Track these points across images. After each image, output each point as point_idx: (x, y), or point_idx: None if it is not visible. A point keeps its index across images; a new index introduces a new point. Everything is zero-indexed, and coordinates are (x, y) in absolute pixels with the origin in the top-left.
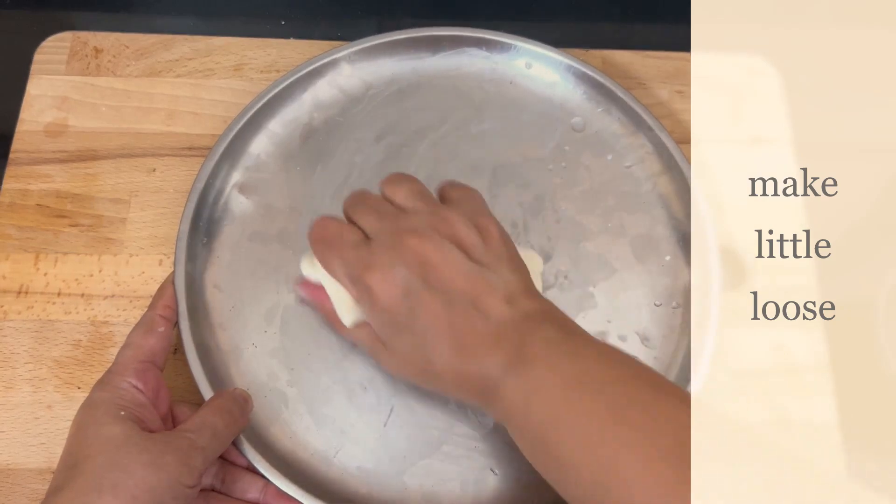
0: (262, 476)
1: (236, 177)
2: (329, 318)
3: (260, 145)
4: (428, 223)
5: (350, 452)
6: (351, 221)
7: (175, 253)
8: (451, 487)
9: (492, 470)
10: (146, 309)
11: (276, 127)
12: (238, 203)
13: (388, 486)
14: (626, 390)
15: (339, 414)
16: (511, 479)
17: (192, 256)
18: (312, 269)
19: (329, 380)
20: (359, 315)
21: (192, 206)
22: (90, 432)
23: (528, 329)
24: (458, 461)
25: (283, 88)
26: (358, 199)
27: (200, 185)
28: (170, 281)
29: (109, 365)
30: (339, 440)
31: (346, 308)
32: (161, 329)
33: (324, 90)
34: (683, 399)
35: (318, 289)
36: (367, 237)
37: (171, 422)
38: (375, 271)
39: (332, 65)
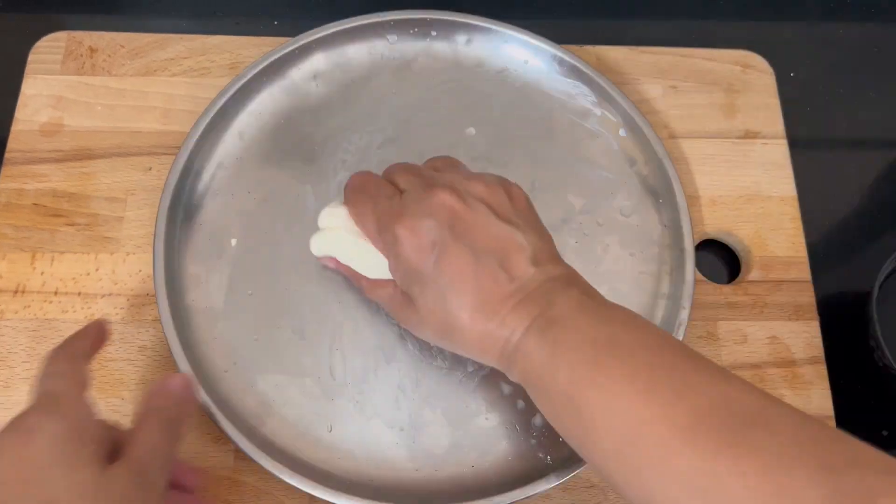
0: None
1: (208, 174)
2: (354, 279)
3: (230, 141)
4: (460, 182)
5: (339, 433)
6: (388, 177)
7: (153, 254)
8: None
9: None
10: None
11: (246, 121)
12: (213, 201)
13: (374, 464)
14: (656, 355)
15: (325, 398)
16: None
17: (170, 255)
18: (327, 234)
19: (318, 368)
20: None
21: (165, 205)
22: (57, 473)
23: (554, 291)
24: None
25: (249, 80)
26: (400, 166)
27: (174, 182)
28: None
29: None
30: (325, 421)
31: (365, 265)
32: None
33: (298, 78)
34: (710, 365)
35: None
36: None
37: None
38: (405, 220)
39: (303, 52)
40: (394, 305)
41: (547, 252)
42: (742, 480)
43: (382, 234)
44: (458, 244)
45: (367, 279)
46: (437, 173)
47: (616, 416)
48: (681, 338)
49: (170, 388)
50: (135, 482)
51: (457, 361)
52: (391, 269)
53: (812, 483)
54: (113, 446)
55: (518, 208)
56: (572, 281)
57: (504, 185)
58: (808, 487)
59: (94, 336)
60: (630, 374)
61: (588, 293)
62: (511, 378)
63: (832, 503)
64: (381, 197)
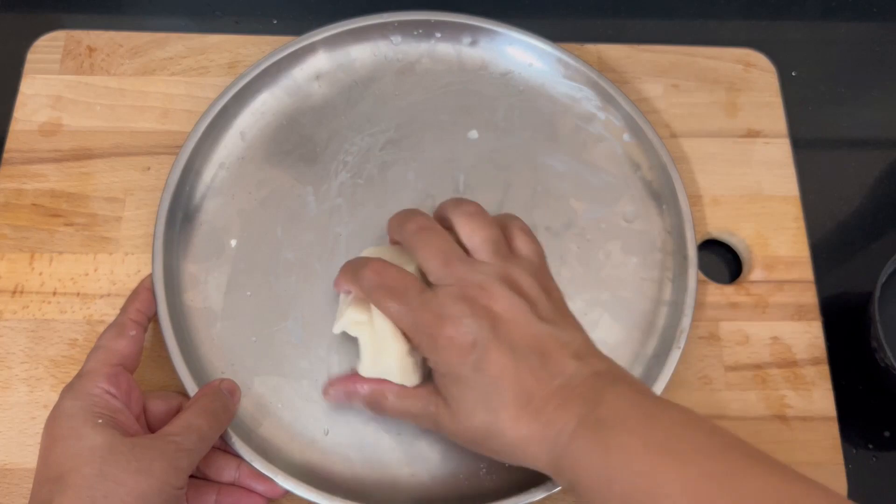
0: (237, 456)
1: (209, 174)
2: (375, 400)
3: (232, 141)
4: (497, 276)
5: (335, 437)
6: (410, 249)
7: (152, 254)
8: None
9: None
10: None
11: (247, 121)
12: (213, 201)
13: (370, 468)
14: (715, 461)
15: (322, 401)
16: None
17: (169, 255)
18: (356, 326)
19: (315, 371)
20: (411, 372)
21: (165, 205)
22: (70, 443)
23: (599, 387)
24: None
25: (251, 80)
26: (421, 232)
27: (174, 181)
28: (144, 285)
29: None
30: (321, 424)
31: (398, 363)
32: (132, 333)
33: (300, 78)
34: (776, 467)
35: (359, 380)
36: (427, 281)
37: (144, 419)
38: (444, 322)
39: (306, 52)
40: (429, 410)
41: (588, 346)
42: None
43: (419, 336)
44: (499, 344)
45: (397, 388)
46: (471, 263)
47: None
48: (682, 343)
49: (218, 387)
50: (158, 450)
51: None
52: (432, 369)
53: None
54: (139, 420)
55: (554, 302)
56: (618, 376)
57: (540, 277)
58: None
59: (144, 299)
60: (687, 485)
61: (636, 388)
62: (560, 483)
63: None
64: (410, 293)
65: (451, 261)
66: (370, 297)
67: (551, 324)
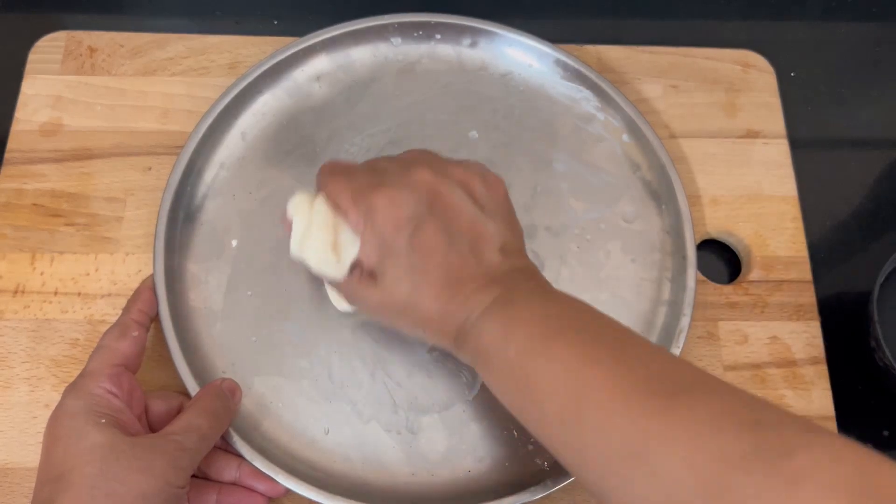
0: (238, 455)
1: (210, 174)
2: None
3: (233, 141)
4: (441, 165)
5: (335, 436)
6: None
7: (154, 254)
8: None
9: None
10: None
11: (248, 121)
12: (214, 201)
13: (370, 467)
14: (602, 331)
15: (323, 400)
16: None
17: (170, 255)
18: (297, 207)
19: (316, 370)
20: (330, 267)
21: (167, 205)
22: (72, 442)
23: (515, 279)
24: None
25: (252, 81)
26: (376, 159)
27: (175, 182)
28: (146, 285)
29: None
30: (322, 424)
31: (320, 254)
32: (135, 333)
33: (300, 79)
34: (653, 344)
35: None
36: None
37: (145, 419)
38: (384, 190)
39: (307, 53)
40: (353, 282)
41: (515, 245)
42: (672, 440)
43: (358, 205)
44: (434, 222)
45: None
46: (417, 157)
47: (560, 382)
48: (682, 343)
49: (219, 386)
50: (159, 449)
51: (456, 367)
52: (363, 242)
53: (737, 440)
54: (141, 420)
55: (494, 198)
56: (533, 274)
57: (483, 173)
58: (733, 443)
59: (146, 299)
60: (575, 346)
61: (545, 284)
62: (461, 358)
63: (754, 457)
64: (358, 173)
65: (399, 157)
66: (319, 180)
67: (488, 216)
